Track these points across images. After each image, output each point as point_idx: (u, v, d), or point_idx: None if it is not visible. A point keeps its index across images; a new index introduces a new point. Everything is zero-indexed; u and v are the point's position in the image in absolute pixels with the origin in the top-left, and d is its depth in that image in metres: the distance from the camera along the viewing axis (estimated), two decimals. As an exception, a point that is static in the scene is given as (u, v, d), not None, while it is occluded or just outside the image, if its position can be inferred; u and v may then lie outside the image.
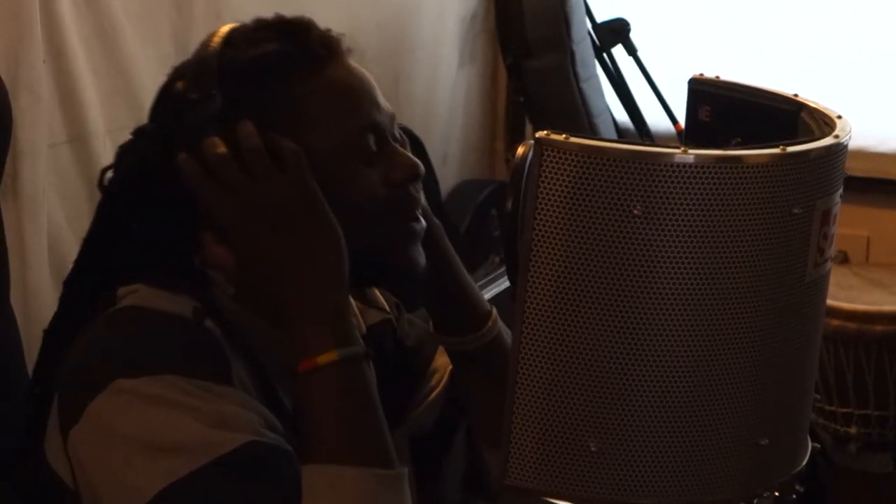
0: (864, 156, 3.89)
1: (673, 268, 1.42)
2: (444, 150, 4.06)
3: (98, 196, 2.69)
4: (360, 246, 1.62)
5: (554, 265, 1.43)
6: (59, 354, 1.66)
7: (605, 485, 1.48)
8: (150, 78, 2.83)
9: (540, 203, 1.42)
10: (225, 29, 1.69)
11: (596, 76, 4.01)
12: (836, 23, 3.99)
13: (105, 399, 1.54)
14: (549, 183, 1.42)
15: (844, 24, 3.98)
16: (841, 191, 1.55)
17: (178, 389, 1.53)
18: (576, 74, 3.87)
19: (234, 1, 3.04)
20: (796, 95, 1.71)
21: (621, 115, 4.06)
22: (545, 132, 1.41)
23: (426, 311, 1.90)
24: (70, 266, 2.62)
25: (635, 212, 1.41)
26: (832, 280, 1.62)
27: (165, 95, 1.69)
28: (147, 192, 1.66)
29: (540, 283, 1.44)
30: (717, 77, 1.85)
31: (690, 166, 1.41)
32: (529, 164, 1.43)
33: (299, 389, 1.57)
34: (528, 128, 4.10)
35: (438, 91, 4.06)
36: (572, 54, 3.87)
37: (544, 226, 1.43)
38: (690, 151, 1.41)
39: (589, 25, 4.03)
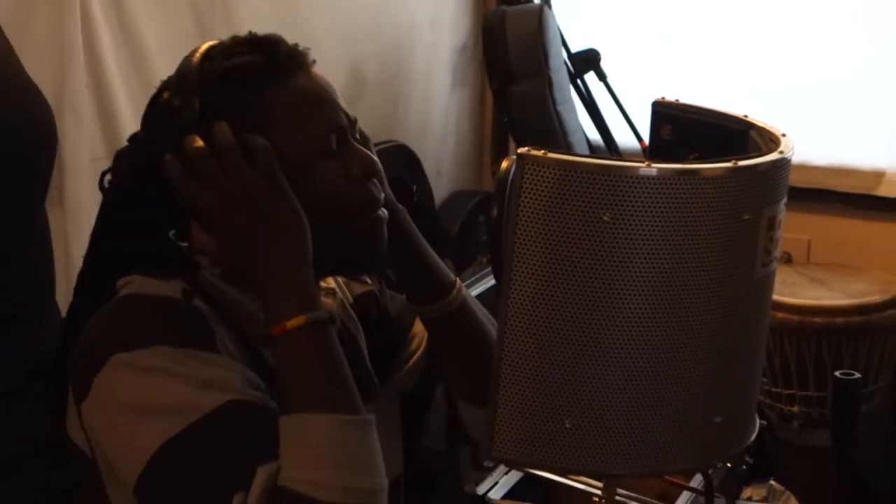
0: (806, 169, 3.88)
1: (638, 267, 1.43)
2: (437, 165, 4.05)
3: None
4: (323, 232, 1.62)
5: (534, 265, 1.44)
6: (72, 340, 1.66)
7: (578, 457, 1.49)
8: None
9: (521, 210, 1.43)
10: (205, 45, 1.69)
11: (571, 100, 4.01)
12: (781, 52, 3.99)
13: (106, 372, 1.54)
14: (529, 193, 1.42)
15: (788, 54, 3.98)
16: (785, 199, 1.56)
17: (167, 358, 1.53)
18: (553, 98, 3.87)
19: (252, 24, 3.03)
20: (746, 116, 1.72)
21: (593, 134, 4.05)
22: (526, 148, 1.43)
23: (398, 285, 1.90)
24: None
25: (605, 218, 1.41)
26: (777, 278, 1.63)
27: (153, 104, 1.69)
28: (139, 191, 1.66)
29: (521, 281, 1.45)
30: (677, 100, 1.85)
31: (653, 178, 1.42)
32: (512, 177, 1.43)
33: (274, 351, 1.57)
34: (512, 145, 4.10)
35: (432, 113, 4.06)
36: (550, 81, 3.87)
37: (525, 230, 1.43)
38: (653, 165, 1.42)
39: (564, 55, 4.02)
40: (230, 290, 1.66)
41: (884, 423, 3.72)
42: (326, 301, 1.73)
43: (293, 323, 1.55)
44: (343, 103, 1.71)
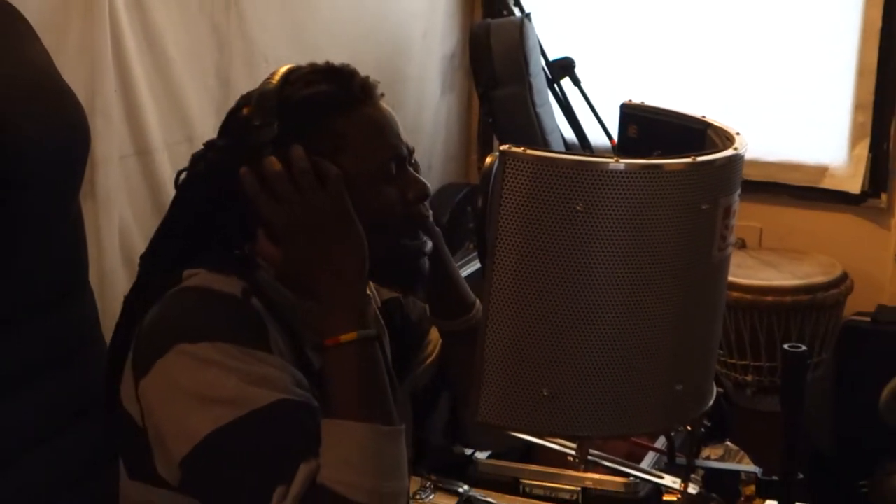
0: (758, 164, 3.88)
1: (607, 251, 1.42)
2: (429, 160, 4.05)
3: (158, 198, 2.72)
4: (379, 249, 1.62)
5: (514, 250, 1.43)
6: (133, 319, 1.66)
7: (554, 421, 1.49)
8: (196, 104, 2.83)
9: (504, 201, 1.43)
10: (284, 69, 1.67)
11: (548, 102, 4.00)
12: (737, 60, 3.99)
13: (170, 358, 1.54)
14: (510, 185, 1.42)
15: (743, 61, 3.98)
16: (739, 191, 1.55)
17: (226, 354, 1.53)
18: (533, 101, 3.86)
19: (262, 43, 3.03)
20: (704, 117, 1.72)
21: (568, 133, 4.05)
22: (508, 146, 1.42)
23: (427, 300, 1.90)
24: (136, 255, 2.64)
25: (578, 208, 1.41)
26: (733, 261, 1.63)
27: (233, 118, 1.68)
28: (212, 194, 1.66)
29: (503, 264, 1.44)
30: (643, 102, 1.85)
31: (621, 172, 1.41)
32: (496, 171, 1.43)
33: (325, 360, 1.58)
34: (496, 142, 4.09)
35: (424, 114, 4.05)
36: (530, 85, 3.86)
37: (507, 219, 1.43)
38: (621, 160, 1.41)
39: (543, 62, 4.01)
40: (287, 294, 1.66)
41: (827, 390, 3.72)
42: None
43: (346, 337, 1.56)
44: (402, 132, 1.71)
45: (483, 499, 2.85)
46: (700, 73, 4.00)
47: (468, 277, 1.92)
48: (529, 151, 1.42)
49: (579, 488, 2.88)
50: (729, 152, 1.52)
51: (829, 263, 3.77)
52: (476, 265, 2.60)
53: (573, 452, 1.71)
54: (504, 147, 1.42)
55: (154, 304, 1.63)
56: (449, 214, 3.76)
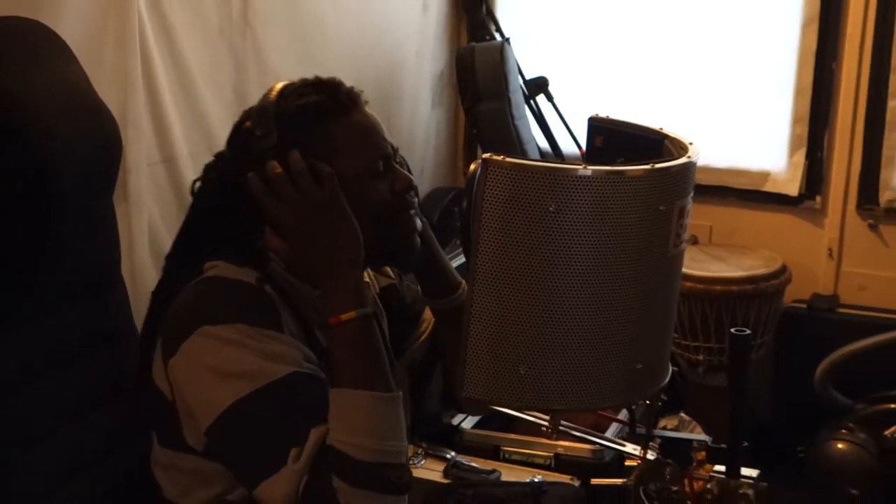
0: (708, 170, 3.89)
1: (576, 247, 1.43)
2: (421, 166, 4.04)
3: (182, 201, 2.72)
4: (373, 236, 1.63)
5: (495, 245, 1.43)
6: (162, 308, 1.67)
7: (529, 396, 1.49)
8: (216, 118, 2.82)
9: (485, 203, 1.43)
10: (280, 85, 1.68)
11: (525, 116, 4.00)
12: (690, 77, 3.99)
13: (194, 339, 1.55)
14: (491, 189, 1.42)
15: (696, 79, 3.98)
16: (692, 194, 1.56)
17: (244, 334, 1.54)
18: (511, 115, 3.86)
19: (274, 63, 3.02)
20: (661, 129, 1.72)
21: (543, 143, 4.04)
22: (489, 154, 1.42)
23: (417, 281, 1.90)
24: (163, 250, 2.63)
25: (551, 208, 1.41)
26: (686, 255, 1.64)
27: (237, 130, 1.69)
28: (223, 198, 1.67)
29: (485, 258, 1.44)
30: (608, 116, 1.85)
31: (589, 177, 1.41)
32: (478, 176, 1.43)
33: (329, 336, 1.58)
34: (479, 151, 4.09)
35: (417, 125, 4.05)
36: (509, 101, 3.86)
37: (488, 218, 1.43)
38: (589, 167, 1.42)
39: (521, 81, 4.01)
40: (295, 281, 1.66)
41: (768, 368, 3.73)
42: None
43: (347, 316, 1.56)
44: (387, 133, 1.71)
45: (468, 464, 2.85)
46: (659, 91, 4.00)
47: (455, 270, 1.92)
48: (508, 159, 1.42)
49: (552, 454, 2.89)
50: (683, 160, 1.52)
51: (770, 257, 3.78)
52: (462, 259, 2.59)
53: (546, 423, 1.70)
54: (486, 155, 1.43)
55: (179, 294, 1.63)
56: (438, 214, 3.76)
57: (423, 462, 2.88)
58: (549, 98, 4.02)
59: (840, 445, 3.47)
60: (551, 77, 4.04)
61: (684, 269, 1.68)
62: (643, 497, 2.27)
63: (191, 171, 2.71)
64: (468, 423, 3.05)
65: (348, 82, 1.74)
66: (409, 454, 2.89)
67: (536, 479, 2.75)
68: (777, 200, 3.95)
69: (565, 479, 2.81)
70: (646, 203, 1.46)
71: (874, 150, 3.78)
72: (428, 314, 1.97)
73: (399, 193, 1.68)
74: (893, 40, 3.69)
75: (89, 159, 1.78)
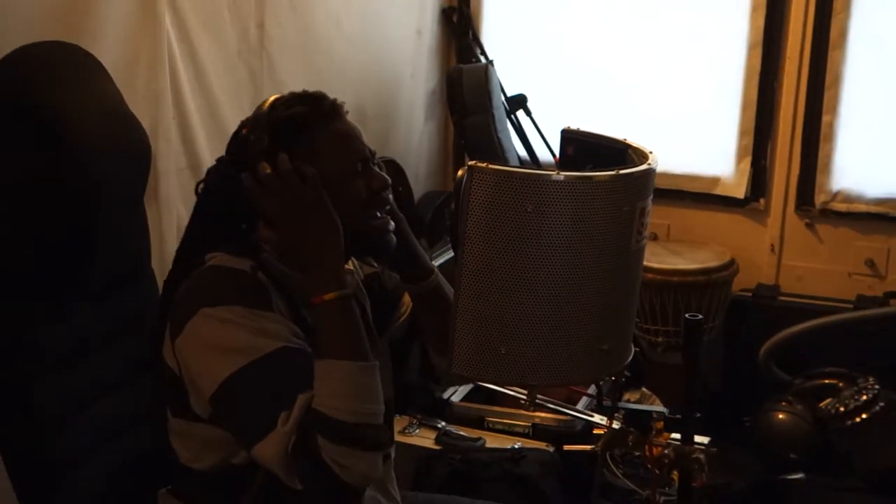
0: (667, 175, 3.88)
1: (551, 243, 1.43)
2: (416, 172, 4.03)
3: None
4: (353, 228, 1.62)
5: (479, 241, 1.44)
6: (170, 294, 1.66)
7: (510, 373, 1.50)
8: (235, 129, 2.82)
9: (471, 204, 1.43)
10: (272, 98, 1.69)
11: (507, 129, 3.99)
12: (651, 95, 3.98)
13: (196, 320, 1.55)
14: (476, 192, 1.42)
15: (656, 96, 3.97)
16: (652, 196, 1.56)
17: (239, 314, 1.54)
18: (495, 128, 3.85)
19: (287, 82, 3.00)
20: (625, 139, 1.71)
21: (522, 152, 4.04)
22: (474, 162, 1.43)
23: (396, 270, 1.90)
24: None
25: (528, 209, 1.41)
26: (647, 250, 1.63)
27: (235, 137, 1.69)
28: (222, 196, 1.67)
29: (471, 253, 1.45)
30: (579, 128, 1.85)
31: (561, 182, 1.42)
32: (465, 181, 1.43)
33: (313, 314, 1.58)
34: (466, 159, 4.08)
35: (412, 136, 4.04)
36: (492, 115, 3.85)
37: (473, 218, 1.43)
38: (562, 173, 1.42)
39: (503, 98, 4.01)
40: (284, 269, 1.65)
41: (719, 348, 3.74)
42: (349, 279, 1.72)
43: (328, 297, 1.55)
44: (366, 139, 1.71)
45: (456, 432, 2.85)
46: (623, 106, 3.99)
47: (444, 264, 1.92)
48: (491, 166, 1.43)
49: (530, 424, 2.89)
50: (644, 167, 1.52)
51: (720, 252, 3.78)
52: (451, 254, 2.60)
53: (525, 397, 1.70)
54: (471, 163, 1.43)
55: (184, 281, 1.63)
56: (431, 215, 3.76)
57: (417, 431, 2.88)
58: (528, 113, 4.02)
59: (781, 416, 3.48)
60: (529, 94, 4.03)
61: (645, 262, 1.68)
62: (609, 461, 2.28)
63: (213, 177, 2.72)
64: (457, 396, 3.05)
65: (352, 100, 1.73)
66: (405, 424, 2.89)
67: (516, 446, 2.76)
68: (726, 202, 3.95)
69: (542, 445, 2.81)
70: (611, 204, 1.46)
71: (810, 158, 3.78)
72: (407, 299, 1.96)
73: (375, 191, 1.67)
74: (827, 63, 3.69)
75: (123, 166, 1.78)
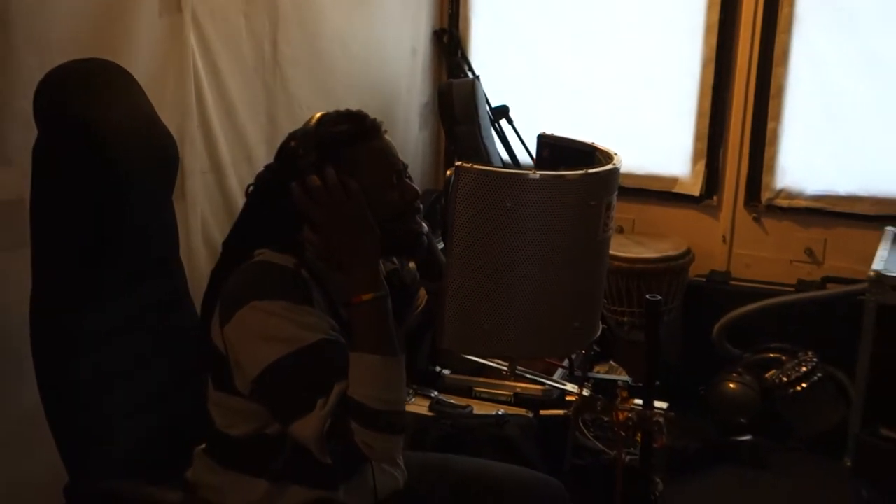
0: (632, 176, 3.87)
1: (528, 233, 1.43)
2: (412, 174, 4.03)
3: (227, 200, 2.71)
4: (387, 234, 1.61)
5: (465, 232, 1.44)
6: (218, 283, 1.64)
7: (493, 347, 1.50)
8: (252, 136, 2.81)
9: (458, 199, 1.43)
10: (319, 115, 1.66)
11: (492, 135, 3.99)
12: (618, 104, 3.98)
13: (246, 311, 1.53)
14: (462, 189, 1.42)
15: (622, 105, 3.97)
16: (616, 192, 1.55)
17: (284, 308, 1.52)
18: (480, 135, 3.84)
19: (298, 94, 3.00)
20: (593, 143, 1.71)
21: (504, 155, 4.04)
22: (461, 162, 1.43)
23: (419, 268, 1.89)
24: (212, 238, 2.62)
25: (508, 204, 1.41)
26: (614, 241, 1.63)
27: (284, 148, 1.65)
28: (271, 200, 1.65)
29: (458, 242, 1.45)
30: (553, 134, 1.85)
31: (537, 180, 1.42)
32: (453, 179, 1.43)
33: (351, 312, 1.56)
34: (455, 161, 4.08)
35: (408, 143, 4.03)
36: (479, 124, 3.85)
37: (460, 211, 1.43)
38: (537, 172, 1.42)
39: (487, 108, 4.00)
40: (325, 268, 1.64)
41: (677, 327, 3.74)
42: None
43: (366, 297, 1.54)
44: (399, 154, 1.69)
45: (447, 401, 2.85)
46: (593, 114, 3.99)
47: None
48: (475, 166, 1.42)
49: (512, 393, 2.89)
50: (609, 167, 1.52)
51: (678, 242, 3.78)
52: (442, 245, 2.60)
53: (506, 368, 1.71)
54: (458, 163, 1.42)
55: (233, 273, 1.61)
56: (426, 210, 3.75)
57: (413, 399, 2.87)
58: (510, 121, 4.02)
59: (731, 385, 3.49)
60: (511, 105, 4.03)
61: (613, 252, 1.69)
62: (580, 424, 2.29)
63: (233, 177, 2.71)
64: (448, 369, 3.04)
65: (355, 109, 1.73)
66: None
67: (500, 412, 2.76)
68: (684, 199, 3.95)
69: (522, 411, 2.81)
70: (581, 199, 1.46)
71: (757, 160, 3.78)
72: (422, 293, 1.95)
73: (408, 202, 1.66)
74: (771, 77, 3.69)
75: (153, 168, 1.78)
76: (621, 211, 1.67)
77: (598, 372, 2.73)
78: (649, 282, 3.54)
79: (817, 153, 3.69)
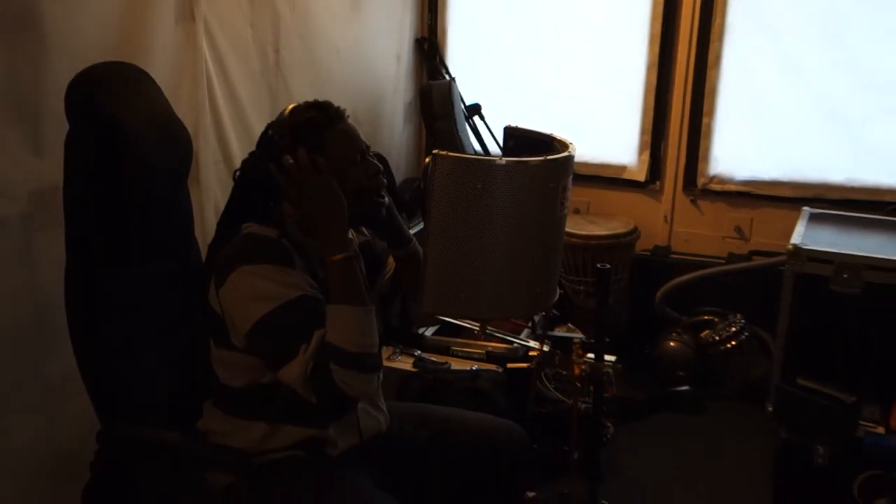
0: (586, 164, 3.86)
1: (497, 211, 1.43)
2: (397, 164, 4.02)
3: (231, 188, 2.69)
4: (353, 205, 1.62)
5: (442, 212, 1.44)
6: (214, 255, 1.66)
7: (467, 310, 1.51)
8: (258, 131, 2.73)
9: (435, 183, 1.43)
10: (291, 106, 1.68)
11: (466, 130, 3.97)
12: (574, 100, 3.96)
13: (235, 275, 1.55)
14: (439, 174, 1.42)
15: (578, 101, 3.96)
16: (571, 176, 1.54)
17: (269, 270, 1.54)
18: (457, 130, 3.83)
19: (298, 95, 2.96)
20: (552, 134, 1.72)
21: (477, 147, 4.03)
22: (437, 150, 1.43)
23: (383, 239, 1.90)
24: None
25: (478, 186, 1.41)
26: (571, 220, 1.65)
27: (263, 137, 1.68)
28: (254, 181, 1.66)
29: (436, 221, 1.45)
30: (517, 126, 1.86)
31: (503, 166, 1.42)
32: (431, 165, 1.43)
33: (327, 271, 1.57)
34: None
35: (395, 138, 4.02)
36: (455, 121, 3.83)
37: (437, 194, 1.43)
38: (504, 159, 1.42)
39: (463, 106, 3.99)
40: (303, 236, 1.65)
41: (625, 295, 3.76)
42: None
43: (338, 257, 1.56)
44: (362, 136, 1.70)
45: (429, 358, 2.86)
46: (552, 109, 3.97)
47: (419, 232, 1.91)
48: (450, 154, 1.43)
49: (484, 351, 2.91)
50: (565, 154, 1.53)
51: (626, 222, 3.79)
52: (422, 224, 2.60)
53: (478, 328, 1.71)
54: (435, 151, 1.43)
55: (226, 245, 1.63)
56: (409, 196, 3.74)
57: (399, 357, 2.88)
58: (482, 118, 4.01)
59: (672, 344, 3.52)
60: (483, 103, 4.02)
61: (570, 230, 1.69)
62: (542, 377, 2.30)
63: (242, 167, 2.70)
64: (429, 331, 3.05)
65: (348, 109, 1.73)
66: (389, 353, 2.89)
67: (474, 368, 2.77)
68: (631, 184, 3.95)
69: (493, 367, 2.83)
70: (541, 182, 1.47)
71: (694, 151, 3.79)
72: (391, 261, 1.96)
73: (370, 176, 1.67)
74: (706, 79, 3.70)
75: (170, 159, 1.76)
76: (577, 195, 1.67)
77: (556, 332, 2.75)
78: (602, 255, 3.55)
79: (745, 144, 3.72)
